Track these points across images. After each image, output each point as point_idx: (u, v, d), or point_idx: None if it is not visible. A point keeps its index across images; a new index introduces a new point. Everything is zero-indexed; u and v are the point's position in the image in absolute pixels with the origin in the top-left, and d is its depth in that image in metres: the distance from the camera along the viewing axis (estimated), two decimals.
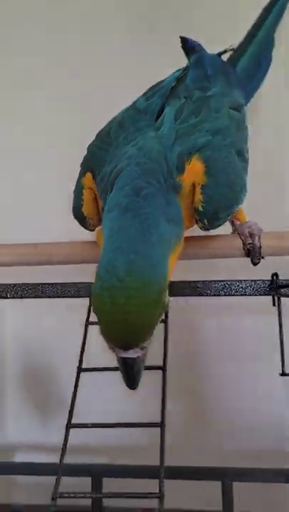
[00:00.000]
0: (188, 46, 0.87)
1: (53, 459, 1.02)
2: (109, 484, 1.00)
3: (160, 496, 0.52)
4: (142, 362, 0.56)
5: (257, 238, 0.71)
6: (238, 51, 0.90)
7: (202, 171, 0.64)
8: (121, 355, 0.53)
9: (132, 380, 0.57)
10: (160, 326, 0.69)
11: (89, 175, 0.70)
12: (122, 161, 0.65)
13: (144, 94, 0.79)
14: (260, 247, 0.71)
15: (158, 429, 1.06)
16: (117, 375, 0.57)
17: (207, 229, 0.68)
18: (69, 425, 0.57)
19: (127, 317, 0.50)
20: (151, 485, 0.98)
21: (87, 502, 0.98)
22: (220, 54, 0.88)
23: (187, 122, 0.68)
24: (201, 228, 0.69)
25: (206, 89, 0.75)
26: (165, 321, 0.68)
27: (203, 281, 0.73)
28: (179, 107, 0.71)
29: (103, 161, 0.69)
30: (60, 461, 0.54)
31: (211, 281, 0.72)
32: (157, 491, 0.54)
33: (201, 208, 0.65)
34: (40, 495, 1.02)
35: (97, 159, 0.70)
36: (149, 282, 0.51)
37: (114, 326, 0.51)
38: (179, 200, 0.64)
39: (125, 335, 0.51)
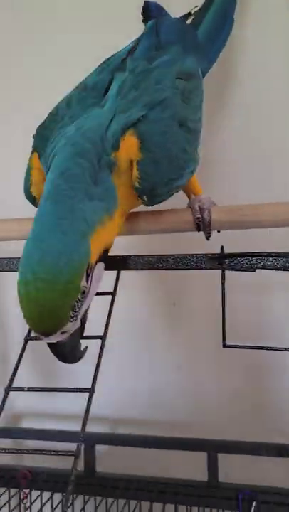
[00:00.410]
0: (150, 11, 0.84)
1: (59, 425, 1.11)
2: (110, 452, 1.08)
3: (75, 455, 0.55)
4: (71, 341, 0.59)
5: (206, 212, 0.70)
6: (201, 12, 0.87)
7: (137, 147, 0.63)
8: (44, 341, 0.57)
9: (63, 358, 0.61)
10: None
11: (35, 155, 0.71)
12: (61, 141, 0.65)
13: (96, 68, 0.77)
14: (209, 221, 0.70)
15: (168, 406, 1.10)
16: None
17: (148, 205, 0.68)
18: (8, 389, 0.62)
19: (40, 309, 0.53)
20: (147, 454, 1.03)
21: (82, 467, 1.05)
22: (185, 16, 0.86)
23: (127, 98, 0.67)
24: (143, 204, 0.68)
25: (152, 60, 0.73)
26: (113, 293, 0.71)
27: (157, 256, 0.74)
28: (123, 81, 0.70)
29: (47, 142, 0.68)
30: None
31: (163, 255, 0.73)
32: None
33: (137, 185, 0.64)
34: (46, 458, 1.11)
35: (42, 139, 0.70)
36: (59, 273, 0.53)
37: (31, 317, 0.54)
38: (115, 177, 0.63)
39: (42, 325, 0.54)
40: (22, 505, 1.03)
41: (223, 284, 0.68)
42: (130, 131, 0.64)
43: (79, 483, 1.02)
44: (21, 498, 1.04)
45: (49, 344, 0.58)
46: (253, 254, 0.68)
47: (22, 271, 0.54)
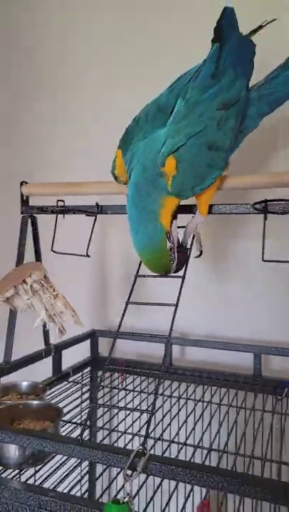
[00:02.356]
0: (221, 31, 0.90)
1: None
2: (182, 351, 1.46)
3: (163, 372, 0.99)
4: (181, 262, 0.98)
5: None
6: None
7: (174, 166, 0.88)
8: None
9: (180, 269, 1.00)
10: None
11: (119, 151, 1.01)
12: (134, 158, 0.95)
13: (169, 86, 0.97)
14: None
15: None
16: None
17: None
18: (127, 303, 0.98)
19: (154, 267, 0.97)
20: (208, 354, 1.41)
21: None
22: (254, 31, 0.92)
23: (177, 125, 0.89)
24: None
25: (205, 90, 0.89)
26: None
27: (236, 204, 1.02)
28: (178, 109, 0.91)
29: (128, 146, 0.98)
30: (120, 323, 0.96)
31: (237, 203, 1.01)
32: None
33: (170, 189, 0.91)
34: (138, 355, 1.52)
35: (126, 143, 0.99)
36: (153, 248, 0.93)
37: (152, 270, 0.98)
38: (165, 179, 0.90)
39: (159, 272, 0.98)
40: (120, 384, 1.45)
41: (264, 224, 0.97)
42: (172, 155, 0.88)
43: (161, 370, 1.41)
44: (119, 379, 1.46)
45: None
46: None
47: (138, 251, 0.96)
